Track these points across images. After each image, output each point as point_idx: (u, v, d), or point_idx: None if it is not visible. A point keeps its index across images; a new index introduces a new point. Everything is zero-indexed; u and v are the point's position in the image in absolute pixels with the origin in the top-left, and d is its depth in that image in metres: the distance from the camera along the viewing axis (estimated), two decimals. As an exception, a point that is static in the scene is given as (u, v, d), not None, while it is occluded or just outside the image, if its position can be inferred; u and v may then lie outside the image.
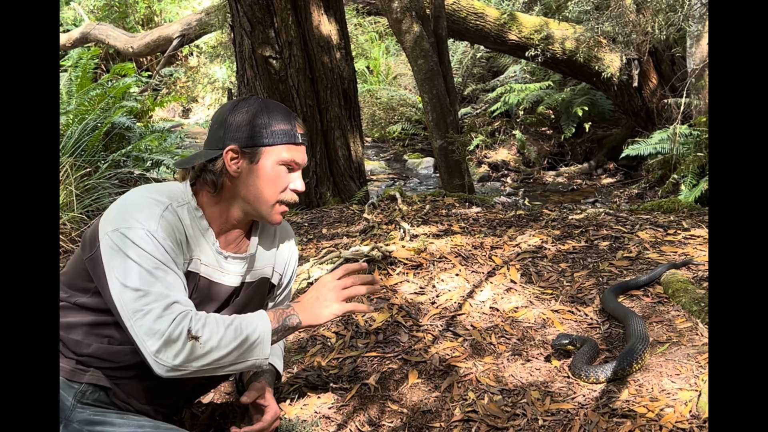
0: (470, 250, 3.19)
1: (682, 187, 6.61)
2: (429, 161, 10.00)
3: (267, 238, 2.10)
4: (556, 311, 2.68)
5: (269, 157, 1.90)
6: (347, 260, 3.10)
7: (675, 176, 6.76)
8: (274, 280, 2.14)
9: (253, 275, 2.06)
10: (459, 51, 12.11)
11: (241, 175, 1.90)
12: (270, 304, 2.22)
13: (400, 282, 2.91)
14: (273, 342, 1.86)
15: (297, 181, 1.94)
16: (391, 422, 2.15)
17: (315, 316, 1.93)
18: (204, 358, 1.74)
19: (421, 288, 2.87)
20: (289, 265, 2.19)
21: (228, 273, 1.98)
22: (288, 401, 2.27)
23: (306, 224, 4.15)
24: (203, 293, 1.94)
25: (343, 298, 1.94)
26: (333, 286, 1.94)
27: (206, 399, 2.30)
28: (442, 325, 2.61)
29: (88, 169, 4.97)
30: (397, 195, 4.33)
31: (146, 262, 1.76)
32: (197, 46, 14.46)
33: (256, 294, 2.08)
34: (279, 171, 1.91)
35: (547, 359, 2.37)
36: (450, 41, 9.23)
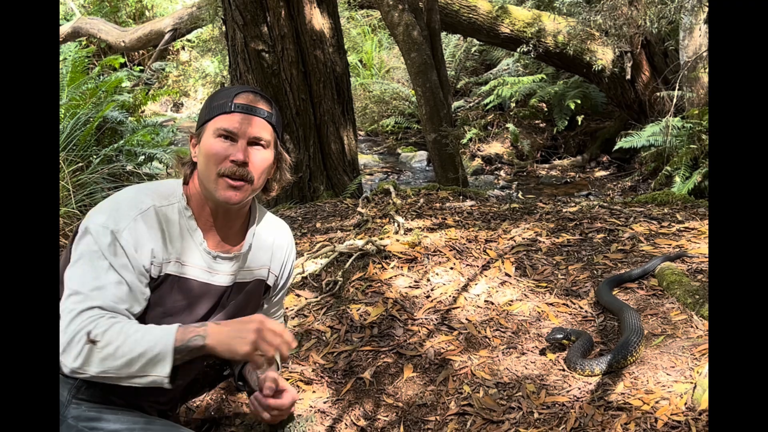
0: (464, 244, 3.18)
1: (676, 179, 6.63)
2: (422, 155, 9.99)
3: (262, 238, 2.07)
4: (551, 304, 2.68)
5: (207, 133, 1.87)
6: (341, 254, 3.09)
7: (668, 168, 6.77)
8: (270, 282, 2.12)
9: (247, 276, 2.03)
10: (452, 44, 12.09)
11: (197, 158, 1.90)
12: (265, 306, 2.22)
13: (395, 276, 2.90)
14: (177, 361, 1.72)
15: (236, 153, 1.83)
16: (387, 416, 2.15)
17: (226, 346, 1.74)
18: (100, 364, 1.69)
19: (415, 282, 2.86)
20: (286, 266, 2.16)
21: (217, 273, 1.96)
22: (283, 396, 2.26)
23: (300, 218, 4.14)
24: (191, 294, 1.92)
25: (258, 348, 1.74)
26: (256, 329, 1.74)
27: (201, 395, 2.29)
28: (436, 319, 2.61)
29: (80, 164, 4.95)
30: (391, 189, 4.32)
31: (93, 262, 1.76)
32: (189, 41, 14.40)
33: (253, 296, 2.07)
34: (214, 143, 1.84)
35: (542, 352, 2.37)
36: (443, 34, 9.20)
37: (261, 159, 1.89)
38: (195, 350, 1.73)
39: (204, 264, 1.93)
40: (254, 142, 1.87)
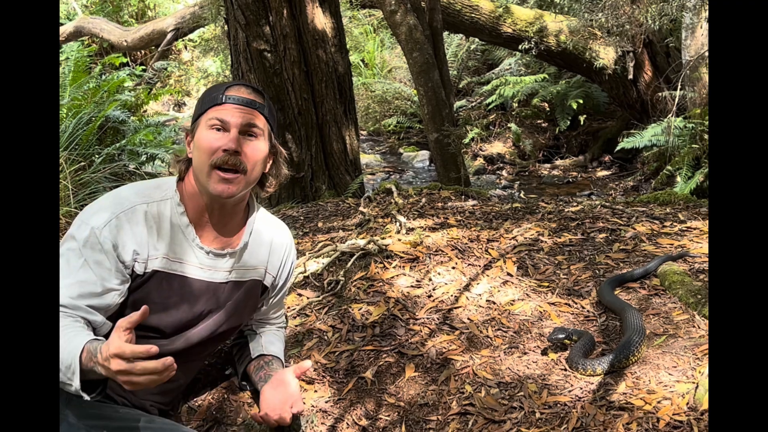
0: (466, 243, 3.18)
1: (677, 179, 6.62)
2: (424, 154, 9.99)
3: (260, 237, 2.07)
4: (553, 304, 2.68)
5: (201, 126, 1.89)
6: (343, 253, 3.09)
7: (669, 168, 6.76)
8: (267, 282, 2.11)
9: (243, 275, 2.03)
10: (454, 44, 12.09)
11: (192, 154, 1.92)
12: (263, 307, 2.21)
13: (397, 275, 2.90)
14: (93, 377, 1.65)
15: (228, 142, 1.83)
16: (388, 416, 2.15)
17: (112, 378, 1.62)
18: None
19: (417, 281, 2.86)
20: (284, 267, 2.15)
21: (211, 269, 1.96)
22: (285, 395, 2.26)
23: (301, 218, 4.14)
24: (185, 290, 1.92)
25: (129, 386, 1.60)
26: (118, 370, 1.56)
27: (203, 394, 2.30)
28: (438, 319, 2.60)
29: (82, 163, 4.95)
30: (393, 188, 4.32)
31: (69, 259, 1.78)
32: (191, 40, 14.41)
33: (251, 296, 2.07)
34: (207, 134, 1.86)
35: (544, 352, 2.37)
36: (445, 34, 9.20)
37: (254, 148, 1.89)
38: (101, 375, 1.63)
39: (197, 260, 1.93)
40: (246, 131, 1.88)
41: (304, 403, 2.18)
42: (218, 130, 1.85)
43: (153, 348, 1.55)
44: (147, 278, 1.87)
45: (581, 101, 9.45)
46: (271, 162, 1.99)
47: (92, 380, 1.67)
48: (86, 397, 1.67)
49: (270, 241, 2.09)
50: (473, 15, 8.71)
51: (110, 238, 1.79)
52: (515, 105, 10.30)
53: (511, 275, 2.90)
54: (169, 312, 1.91)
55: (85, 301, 1.76)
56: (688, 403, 1.96)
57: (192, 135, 1.92)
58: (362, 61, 13.10)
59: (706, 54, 6.98)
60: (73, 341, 1.65)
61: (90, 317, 1.77)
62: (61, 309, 1.72)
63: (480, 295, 2.75)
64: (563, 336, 2.33)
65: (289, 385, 2.01)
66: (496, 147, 9.87)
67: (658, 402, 1.99)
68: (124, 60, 10.92)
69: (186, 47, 14.95)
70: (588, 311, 2.63)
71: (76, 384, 1.64)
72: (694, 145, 6.64)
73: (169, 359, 1.57)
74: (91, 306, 1.77)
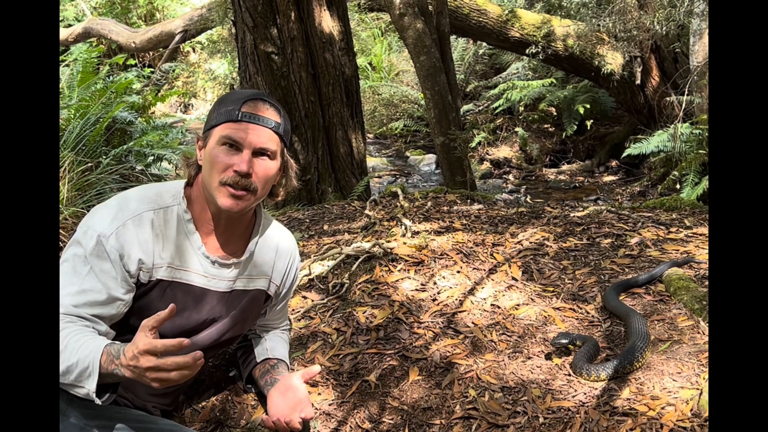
0: (471, 247, 3.18)
1: (678, 185, 6.61)
2: (431, 158, 9.99)
3: (265, 247, 2.05)
4: (558, 309, 2.68)
5: (212, 139, 1.84)
6: (348, 256, 3.09)
7: (675, 173, 6.75)
8: (271, 291, 2.11)
9: (247, 284, 2.02)
10: (461, 47, 12.09)
11: (202, 162, 1.89)
12: (266, 315, 2.21)
13: (401, 279, 2.90)
14: (108, 380, 1.65)
15: (240, 163, 1.80)
16: (392, 419, 2.15)
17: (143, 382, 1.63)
18: None
19: (422, 285, 2.86)
20: (288, 276, 2.15)
21: (215, 278, 1.94)
22: (288, 398, 2.26)
23: (307, 220, 4.15)
24: (188, 298, 1.91)
25: (158, 384, 1.60)
26: (149, 367, 1.57)
27: (206, 396, 2.30)
28: (442, 322, 2.60)
29: (89, 164, 4.96)
30: (399, 192, 4.32)
31: (75, 266, 1.76)
32: (199, 42, 14.46)
33: (254, 305, 2.06)
34: (218, 151, 1.81)
35: (548, 357, 2.37)
36: (452, 38, 9.20)
37: (265, 169, 1.86)
38: (121, 377, 1.64)
39: (201, 268, 1.91)
40: (260, 152, 1.85)
41: (315, 409, 2.18)
42: (231, 146, 1.82)
43: (185, 341, 1.56)
44: (150, 287, 1.86)
45: (588, 106, 9.44)
46: (281, 175, 1.97)
47: (102, 385, 1.66)
48: (98, 401, 1.66)
49: (275, 250, 2.08)
50: (480, 19, 8.71)
51: (117, 247, 1.77)
52: (522, 109, 10.29)
53: (516, 280, 2.90)
54: (172, 319, 1.90)
55: (90, 310, 1.75)
56: (692, 410, 1.95)
57: (204, 143, 1.88)
58: (369, 64, 13.11)
59: (714, 60, 6.94)
60: (90, 344, 1.65)
61: (95, 327, 1.76)
62: (67, 317, 1.71)
63: (484, 299, 2.75)
64: (567, 341, 2.33)
65: (298, 390, 2.00)
66: (503, 151, 9.86)
67: (662, 408, 1.98)
68: (132, 61, 10.96)
69: (194, 49, 14.99)
70: (593, 316, 2.62)
71: (90, 387, 1.63)
72: (701, 151, 6.62)
73: (199, 353, 1.57)
74: (96, 315, 1.76)
